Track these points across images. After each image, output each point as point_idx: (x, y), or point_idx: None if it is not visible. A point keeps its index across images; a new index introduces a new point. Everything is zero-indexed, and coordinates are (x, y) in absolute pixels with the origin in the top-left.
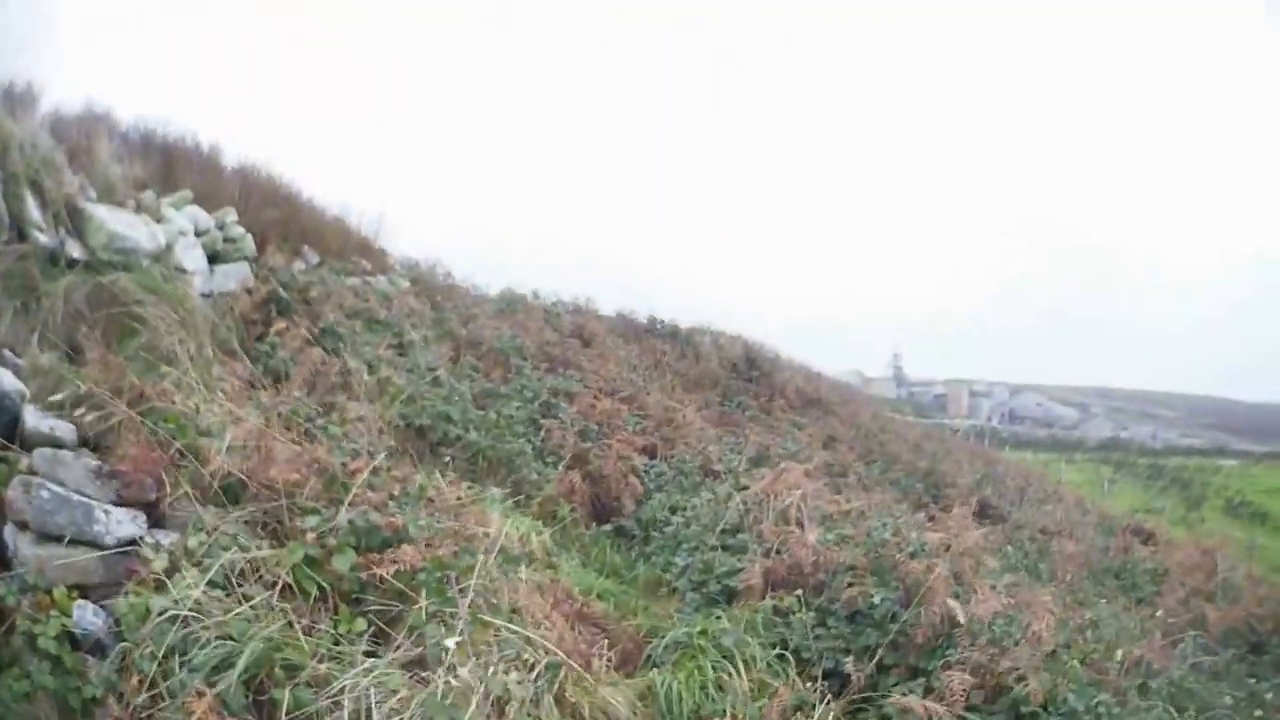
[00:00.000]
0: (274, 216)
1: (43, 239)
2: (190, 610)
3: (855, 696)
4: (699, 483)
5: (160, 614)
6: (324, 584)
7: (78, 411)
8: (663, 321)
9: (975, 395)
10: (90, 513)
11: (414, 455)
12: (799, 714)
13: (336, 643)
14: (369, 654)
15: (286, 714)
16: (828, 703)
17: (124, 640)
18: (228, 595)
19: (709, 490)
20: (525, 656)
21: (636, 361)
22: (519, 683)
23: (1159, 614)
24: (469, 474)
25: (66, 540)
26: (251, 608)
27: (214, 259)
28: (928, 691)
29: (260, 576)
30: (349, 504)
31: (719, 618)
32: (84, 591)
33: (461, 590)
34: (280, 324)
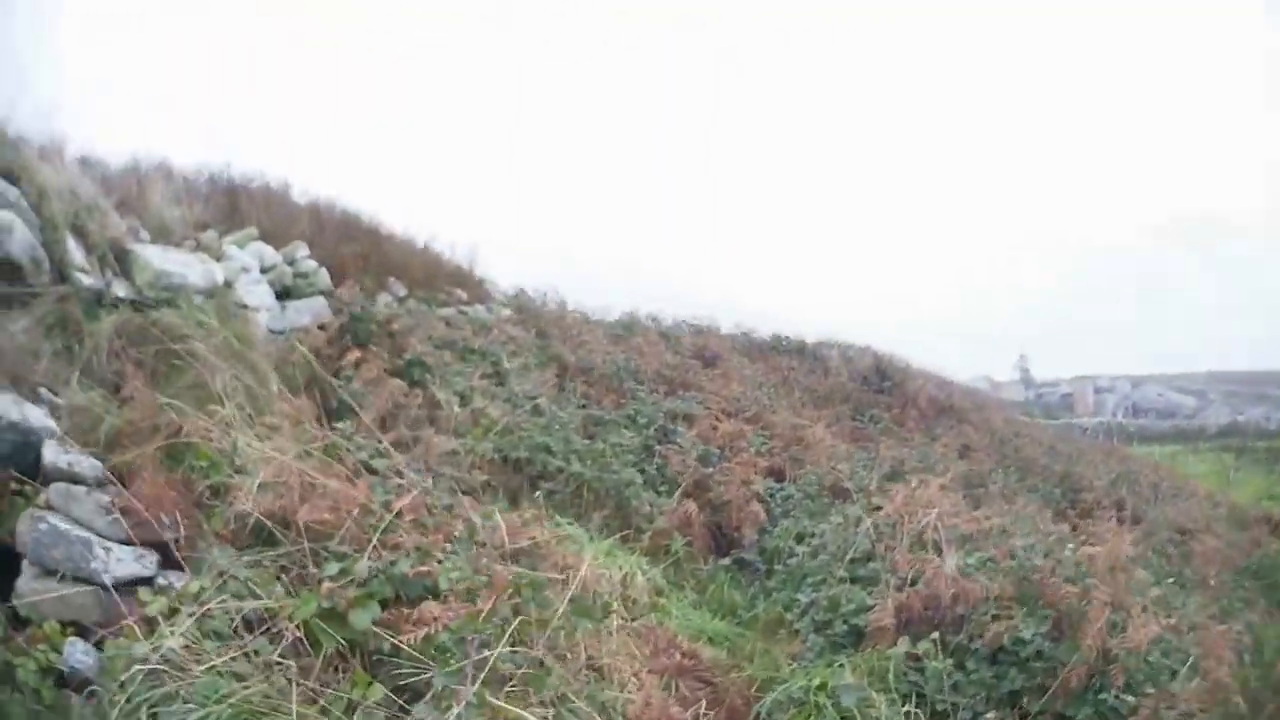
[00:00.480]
0: (353, 250)
1: (85, 280)
2: (165, 662)
3: None
4: (828, 505)
5: (141, 661)
6: (343, 640)
7: (113, 450)
8: (788, 338)
9: (1100, 392)
10: (89, 549)
11: (509, 491)
12: None
13: (350, 710)
14: None
15: None
16: None
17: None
18: (225, 647)
19: (838, 513)
20: None
21: (762, 380)
22: None
23: None
24: (572, 509)
25: (60, 576)
26: (250, 662)
27: (285, 295)
28: None
29: (268, 629)
30: (386, 548)
31: (842, 665)
32: (82, 629)
33: (481, 658)
34: (355, 354)
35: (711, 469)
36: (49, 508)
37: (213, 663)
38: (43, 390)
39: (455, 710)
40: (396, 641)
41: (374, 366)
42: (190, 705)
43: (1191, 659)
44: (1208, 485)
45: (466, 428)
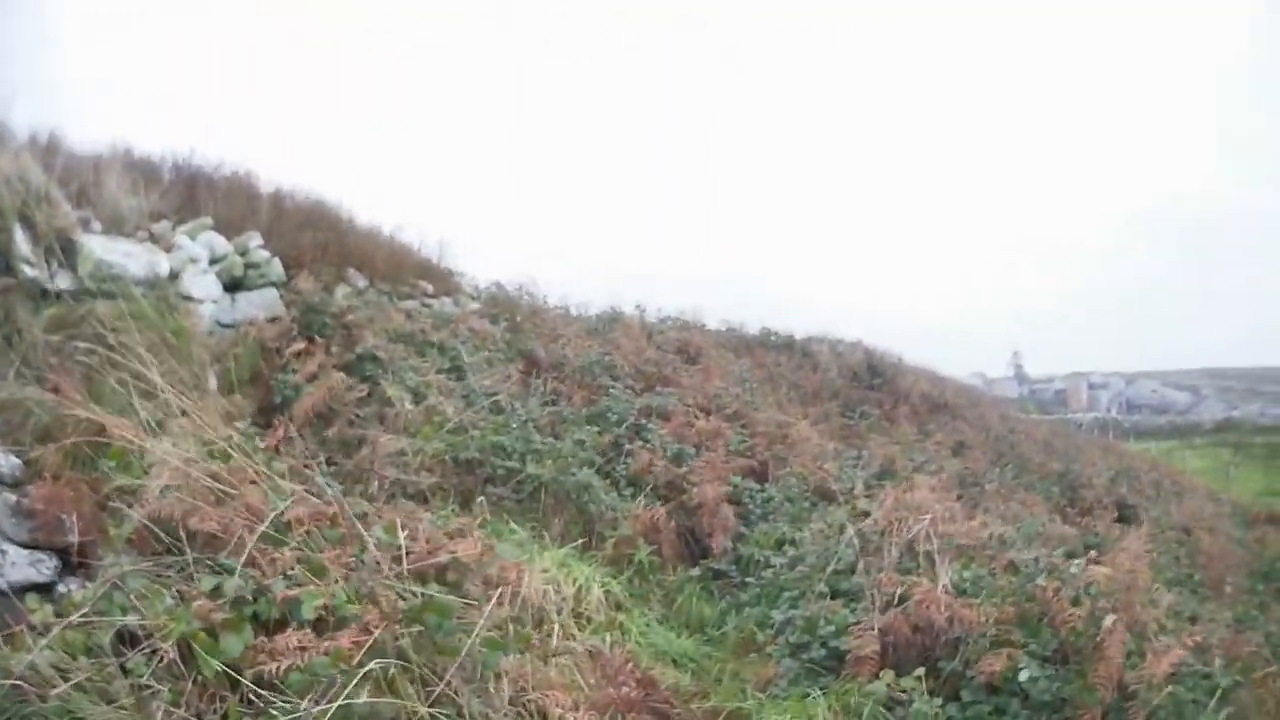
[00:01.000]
0: (312, 239)
1: (29, 272)
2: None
3: None
4: (811, 508)
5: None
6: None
7: (40, 447)
8: (776, 333)
9: (1093, 388)
10: None
11: (461, 494)
12: None
13: None
14: None
15: None
16: None
17: None
18: (97, 663)
19: (821, 517)
20: None
21: (746, 375)
22: None
23: None
24: (529, 514)
25: None
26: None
27: (236, 286)
28: None
29: (144, 648)
30: (270, 563)
31: (818, 698)
32: None
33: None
34: (296, 347)
35: (685, 468)
36: None
37: (78, 680)
38: None
39: None
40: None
41: (316, 360)
42: None
43: (1221, 688)
44: (1206, 482)
45: (417, 426)
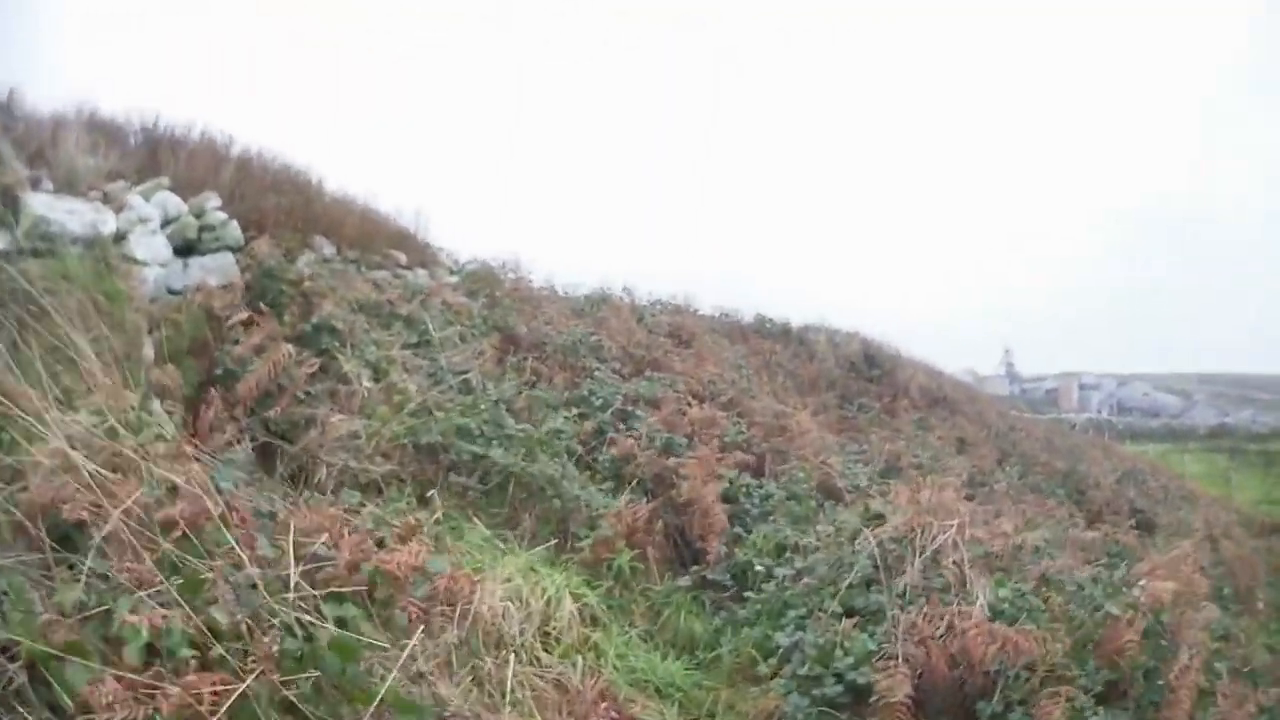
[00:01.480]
0: (276, 203)
1: None
2: None
3: None
4: (816, 507)
5: None
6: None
7: None
8: (771, 320)
9: (1085, 388)
10: None
11: (420, 484)
12: None
13: None
14: None
15: None
16: None
17: None
18: None
19: (829, 519)
20: None
21: (741, 362)
22: None
23: None
24: (496, 509)
25: None
26: None
27: (190, 250)
28: None
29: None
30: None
31: None
32: None
33: None
34: (242, 315)
35: (676, 460)
36: None
37: None
38: None
39: None
40: None
41: (265, 330)
42: None
43: None
44: (1205, 487)
45: (375, 406)
